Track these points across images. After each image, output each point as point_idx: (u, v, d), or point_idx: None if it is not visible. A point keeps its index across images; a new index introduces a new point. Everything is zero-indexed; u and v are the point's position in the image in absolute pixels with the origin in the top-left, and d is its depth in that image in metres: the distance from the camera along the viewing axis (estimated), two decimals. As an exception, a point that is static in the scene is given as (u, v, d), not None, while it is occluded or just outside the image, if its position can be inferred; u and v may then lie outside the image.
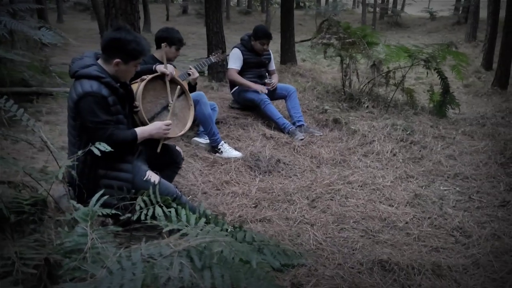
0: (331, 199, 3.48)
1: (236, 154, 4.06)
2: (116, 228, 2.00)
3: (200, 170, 3.76)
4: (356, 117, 5.13)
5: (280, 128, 4.73)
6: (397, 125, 4.65)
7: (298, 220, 3.16)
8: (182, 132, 2.98)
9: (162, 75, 2.94)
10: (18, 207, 2.26)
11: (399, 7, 22.54)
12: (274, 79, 5.10)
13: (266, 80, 5.01)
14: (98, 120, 2.39)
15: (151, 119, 2.82)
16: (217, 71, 6.24)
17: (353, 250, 2.80)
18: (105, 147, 2.26)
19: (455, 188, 3.63)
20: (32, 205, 2.28)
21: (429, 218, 3.18)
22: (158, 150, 2.77)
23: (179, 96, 3.02)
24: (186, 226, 2.20)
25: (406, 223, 3.13)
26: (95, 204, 2.10)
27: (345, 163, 4.14)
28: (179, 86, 3.00)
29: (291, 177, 3.84)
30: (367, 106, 5.46)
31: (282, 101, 5.19)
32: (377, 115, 5.19)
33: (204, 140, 4.22)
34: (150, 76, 2.84)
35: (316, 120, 5.14)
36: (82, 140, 2.48)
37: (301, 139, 4.53)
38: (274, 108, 4.80)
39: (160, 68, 2.93)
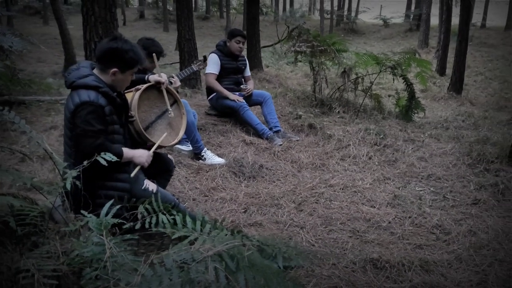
0: (316, 202, 3.61)
1: (219, 160, 4.12)
2: (133, 237, 2.03)
3: (186, 177, 3.79)
4: (329, 122, 5.31)
5: (259, 134, 4.82)
6: (370, 130, 4.86)
7: (288, 223, 3.27)
8: (176, 141, 3.02)
9: (155, 85, 2.97)
10: (20, 219, 2.24)
11: (353, 14, 23.28)
12: (250, 86, 5.20)
13: (242, 86, 5.10)
14: (91, 129, 2.37)
15: (146, 129, 2.84)
16: (189, 77, 6.26)
17: (344, 250, 2.93)
18: (111, 157, 2.28)
19: (429, 189, 3.85)
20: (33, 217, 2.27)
21: (409, 217, 3.37)
22: (132, 175, 2.69)
23: (171, 105, 3.06)
24: (192, 232, 2.26)
25: (389, 223, 3.30)
26: (106, 214, 2.12)
27: (325, 167, 4.29)
28: (167, 95, 3.04)
29: (275, 182, 3.95)
30: (338, 112, 5.66)
31: (258, 107, 5.30)
32: (348, 120, 5.40)
33: (186, 147, 4.26)
34: (145, 86, 2.86)
35: (291, 125, 5.28)
36: (78, 151, 2.47)
37: (280, 145, 4.65)
38: (253, 114, 4.90)
39: (154, 77, 2.96)
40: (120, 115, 2.58)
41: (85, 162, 2.25)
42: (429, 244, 3.03)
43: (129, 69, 2.55)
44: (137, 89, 2.84)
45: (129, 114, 2.73)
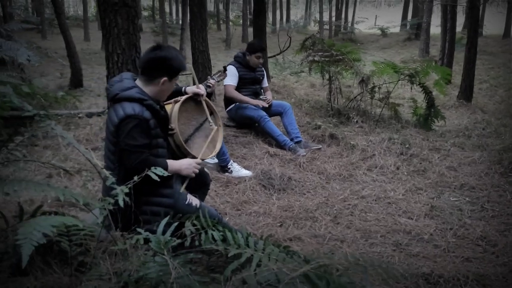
0: (351, 215, 3.50)
1: (246, 173, 4.01)
2: (196, 256, 1.92)
3: (215, 191, 3.68)
4: (349, 132, 5.22)
5: (281, 145, 4.73)
6: (394, 139, 4.78)
7: (327, 237, 3.15)
8: (213, 154, 2.91)
9: (193, 96, 2.87)
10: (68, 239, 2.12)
11: (349, 24, 23.41)
12: (269, 96, 5.12)
13: (261, 97, 5.01)
14: (135, 143, 2.29)
15: (185, 142, 2.74)
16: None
17: (391, 265, 2.82)
18: (162, 172, 2.17)
19: (464, 199, 3.76)
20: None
21: (450, 229, 3.27)
22: (181, 190, 2.61)
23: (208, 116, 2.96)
24: (246, 249, 2.15)
25: (431, 235, 3.20)
26: (164, 233, 2.01)
27: (352, 178, 4.19)
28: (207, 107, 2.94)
29: (305, 194, 3.84)
30: (357, 121, 5.58)
31: (277, 118, 5.21)
32: (369, 130, 5.31)
33: (212, 160, 4.14)
34: (184, 98, 2.76)
35: (311, 136, 5.18)
36: (122, 166, 2.36)
37: (304, 155, 4.55)
38: (273, 125, 4.81)
39: (192, 89, 2.86)
40: (162, 128, 2.49)
41: (135, 178, 2.14)
42: (477, 257, 2.92)
43: (176, 77, 2.48)
44: (176, 101, 2.74)
45: (170, 126, 2.63)
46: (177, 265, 1.80)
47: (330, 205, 3.61)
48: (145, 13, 29.23)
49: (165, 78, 2.38)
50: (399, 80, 5.53)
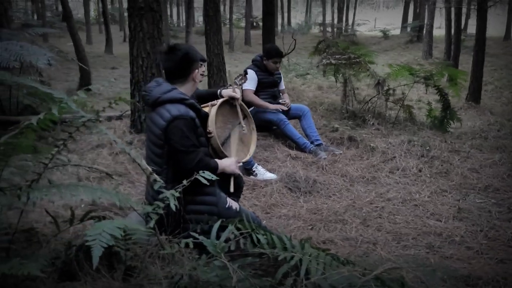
0: (379, 217, 3.51)
1: (271, 176, 4.02)
2: (254, 260, 1.93)
3: (243, 194, 3.67)
4: (367, 135, 5.23)
5: (301, 148, 4.74)
6: (413, 141, 4.79)
7: (359, 240, 3.16)
8: (248, 157, 2.93)
9: (229, 100, 2.88)
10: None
11: (350, 26, 23.48)
12: (287, 99, 5.13)
13: (281, 101, 5.03)
14: (190, 143, 2.34)
15: (222, 145, 2.75)
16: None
17: (427, 267, 2.83)
18: (210, 175, 2.18)
19: (490, 200, 3.77)
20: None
21: (481, 231, 3.28)
22: (232, 190, 2.68)
23: (242, 120, 2.97)
24: (294, 253, 2.16)
25: (462, 237, 3.21)
26: (217, 236, 2.01)
27: (376, 180, 4.20)
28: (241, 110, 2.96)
29: (331, 197, 3.85)
30: (373, 124, 5.59)
31: (294, 121, 5.22)
32: (386, 133, 5.32)
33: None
34: (220, 101, 2.77)
35: (329, 138, 5.19)
36: (169, 168, 2.38)
37: (325, 158, 4.56)
38: (293, 128, 4.82)
39: (228, 92, 2.87)
40: (204, 127, 2.52)
41: (184, 181, 2.15)
42: (511, 259, 2.93)
43: (200, 65, 2.57)
44: (213, 105, 2.75)
45: (208, 130, 2.64)
46: (237, 269, 1.80)
47: (358, 208, 3.62)
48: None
49: (195, 71, 2.48)
50: (414, 82, 5.55)
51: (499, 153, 4.75)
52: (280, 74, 5.20)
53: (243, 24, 21.81)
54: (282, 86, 5.27)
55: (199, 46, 7.76)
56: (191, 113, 2.36)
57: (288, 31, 17.37)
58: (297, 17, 34.64)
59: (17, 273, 1.56)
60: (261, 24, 25.33)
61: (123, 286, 2.04)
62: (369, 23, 24.64)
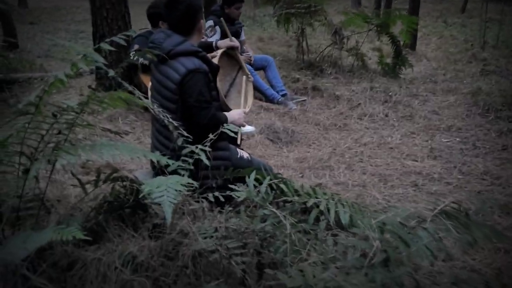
0: (361, 161, 3.65)
1: (250, 128, 3.99)
2: (294, 208, 1.95)
3: (227, 148, 3.64)
4: (328, 83, 5.34)
5: (269, 99, 4.74)
6: (375, 88, 4.97)
7: (349, 184, 3.28)
8: (249, 108, 2.88)
9: (226, 50, 2.78)
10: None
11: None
12: (250, 52, 5.05)
13: (244, 54, 4.93)
14: (204, 98, 2.25)
15: (225, 98, 2.68)
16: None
17: (417, 203, 3.02)
18: (235, 128, 2.14)
19: (455, 139, 4.06)
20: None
21: (454, 167, 3.53)
22: (239, 142, 2.64)
23: (237, 70, 2.90)
24: (318, 198, 2.21)
25: (439, 174, 3.44)
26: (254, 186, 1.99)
27: (348, 127, 4.34)
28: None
29: (311, 145, 3.93)
30: (330, 73, 5.70)
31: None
32: (346, 81, 5.46)
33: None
34: (219, 53, 2.67)
35: (292, 89, 5.23)
36: (184, 122, 2.28)
37: (295, 108, 4.61)
38: (261, 80, 4.79)
39: (226, 43, 2.77)
40: (215, 80, 2.42)
41: (211, 135, 2.09)
42: (487, 190, 3.21)
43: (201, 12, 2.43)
44: (212, 57, 2.64)
45: (213, 84, 2.55)
46: (288, 215, 1.81)
47: (339, 154, 3.73)
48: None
49: (200, 21, 2.35)
50: (370, 30, 5.69)
51: (452, 95, 5.08)
52: (241, 23, 5.07)
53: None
54: (243, 36, 5.15)
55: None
56: (205, 67, 2.25)
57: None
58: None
59: (61, 239, 1.45)
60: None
61: (157, 244, 1.98)
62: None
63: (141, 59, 3.61)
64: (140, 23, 5.66)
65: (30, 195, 1.74)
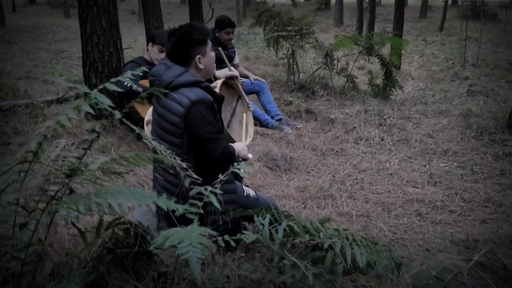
0: (362, 189, 3.60)
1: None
2: (321, 254, 1.86)
3: (226, 178, 3.54)
4: (321, 106, 5.31)
5: (263, 124, 4.68)
6: (369, 111, 4.95)
7: (353, 214, 3.21)
8: (250, 139, 2.80)
9: (225, 80, 2.70)
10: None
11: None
12: (248, 73, 5.04)
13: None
14: (214, 129, 2.16)
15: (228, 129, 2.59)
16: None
17: (424, 234, 2.97)
18: (243, 167, 2.05)
19: (453, 163, 4.05)
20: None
21: (456, 194, 3.50)
22: (243, 175, 2.55)
23: (237, 100, 2.82)
24: (333, 239, 2.14)
25: (442, 201, 3.41)
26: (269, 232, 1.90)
27: (345, 152, 4.29)
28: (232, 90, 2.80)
29: (310, 172, 3.87)
30: (322, 95, 5.68)
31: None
32: (338, 103, 5.44)
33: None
34: (219, 83, 2.58)
35: (285, 112, 5.18)
36: (191, 157, 2.18)
37: (290, 133, 4.56)
38: (254, 104, 4.71)
39: (225, 72, 2.69)
40: (220, 111, 2.34)
41: (221, 176, 1.98)
42: (491, 218, 3.17)
43: (206, 45, 2.30)
44: (214, 87, 2.55)
45: (216, 116, 2.46)
46: (309, 266, 1.72)
47: (340, 182, 3.67)
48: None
49: (197, 57, 2.23)
50: (360, 52, 5.70)
51: (444, 117, 5.10)
52: (234, 48, 5.03)
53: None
54: (236, 60, 5.11)
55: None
56: (209, 97, 2.17)
57: None
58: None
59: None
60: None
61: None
62: (276, -9, 24.70)
63: (140, 89, 3.52)
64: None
65: (29, 252, 1.61)
